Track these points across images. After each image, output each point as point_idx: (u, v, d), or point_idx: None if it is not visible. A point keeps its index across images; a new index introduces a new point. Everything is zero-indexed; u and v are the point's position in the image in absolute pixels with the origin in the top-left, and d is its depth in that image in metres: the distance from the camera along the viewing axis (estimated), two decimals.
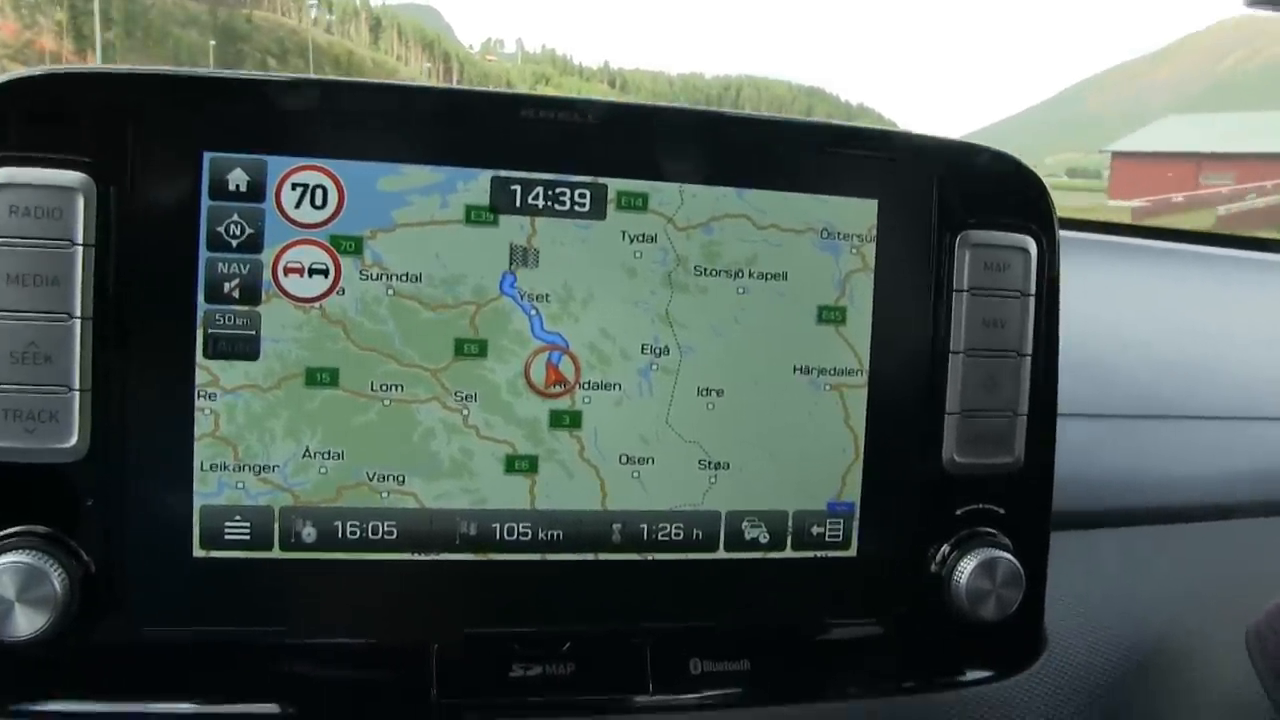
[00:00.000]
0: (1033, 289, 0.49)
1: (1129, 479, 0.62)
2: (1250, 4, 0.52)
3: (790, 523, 0.48)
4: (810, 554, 0.48)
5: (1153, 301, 0.79)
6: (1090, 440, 0.61)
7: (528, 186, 0.44)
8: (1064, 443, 0.50)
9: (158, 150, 0.41)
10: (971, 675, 0.51)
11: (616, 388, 0.45)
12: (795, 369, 0.47)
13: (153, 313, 0.42)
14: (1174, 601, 0.59)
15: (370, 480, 0.44)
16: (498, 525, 0.45)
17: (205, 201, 0.42)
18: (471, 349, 0.44)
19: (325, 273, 0.43)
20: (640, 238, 0.45)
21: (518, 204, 0.44)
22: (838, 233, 0.47)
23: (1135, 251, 0.90)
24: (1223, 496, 0.63)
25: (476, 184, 0.44)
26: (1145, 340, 0.71)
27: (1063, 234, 0.51)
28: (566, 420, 0.45)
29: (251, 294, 0.42)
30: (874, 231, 0.47)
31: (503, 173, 0.44)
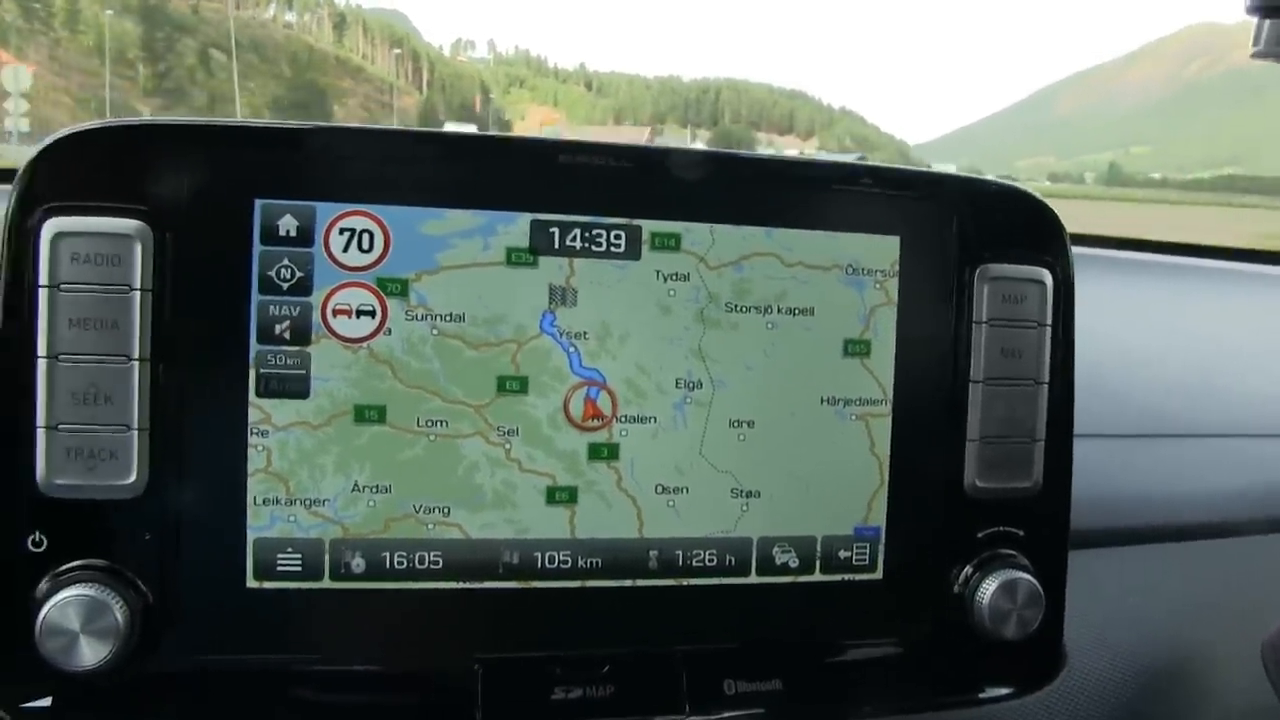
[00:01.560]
0: (1049, 319, 0.51)
1: (1141, 498, 0.64)
2: (1256, 55, 0.53)
3: (819, 547, 0.49)
4: (838, 577, 0.50)
5: (1162, 318, 0.80)
6: (1103, 460, 0.62)
7: (566, 229, 0.46)
8: (1077, 463, 0.52)
9: (211, 198, 0.43)
10: (993, 693, 0.52)
11: (652, 420, 0.47)
12: (823, 400, 0.49)
13: (207, 354, 0.44)
14: (1188, 617, 0.61)
15: (417, 512, 0.45)
16: (539, 554, 0.46)
17: (257, 246, 0.43)
18: (513, 385, 0.46)
19: (372, 314, 0.44)
20: (674, 276, 0.47)
21: (556, 245, 0.46)
22: (862, 269, 0.49)
23: (1143, 268, 0.92)
24: (1234, 513, 0.65)
25: (516, 227, 0.45)
26: (1155, 359, 0.73)
27: (1078, 251, 0.52)
28: (604, 452, 0.47)
29: (302, 335, 0.44)
30: (897, 267, 0.49)
31: (541, 216, 0.46)
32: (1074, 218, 0.54)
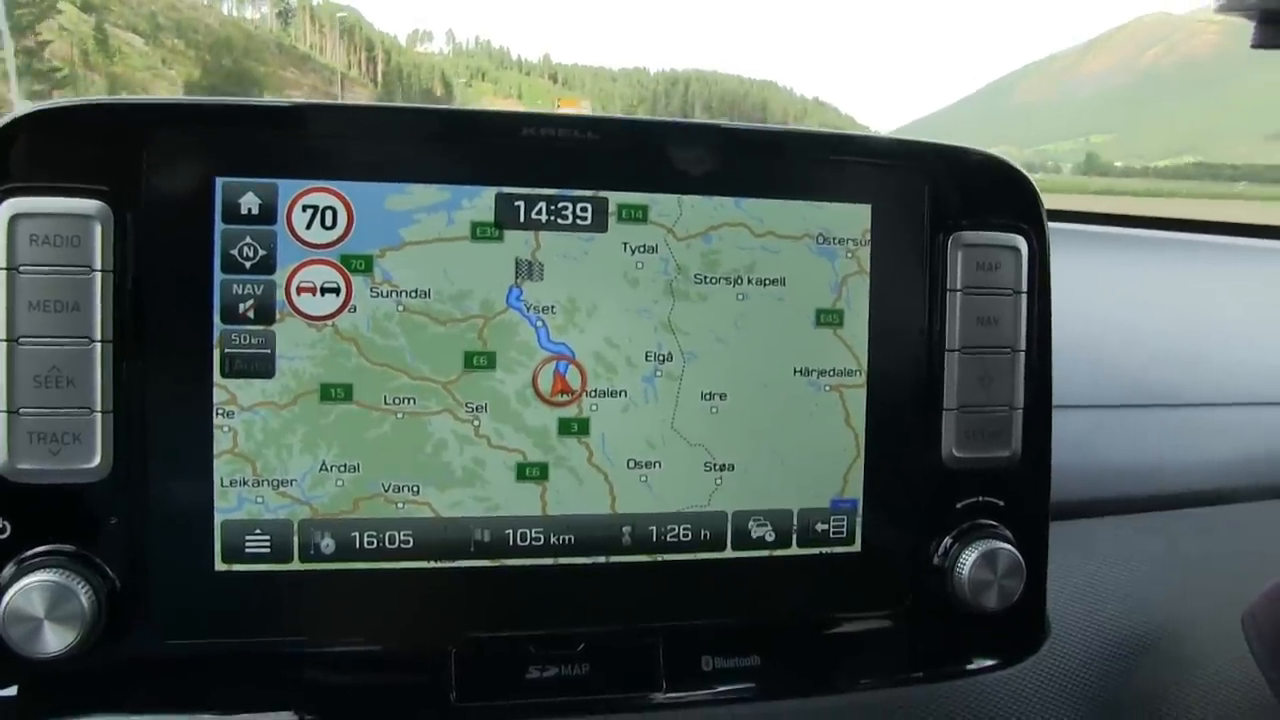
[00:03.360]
0: (1024, 286, 0.50)
1: (1125, 468, 0.63)
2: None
3: (795, 521, 0.49)
4: (815, 550, 0.49)
5: (1143, 291, 0.80)
6: (1087, 431, 0.62)
7: (531, 202, 0.45)
8: (1061, 434, 0.52)
9: (171, 177, 0.43)
10: (977, 664, 0.52)
11: (622, 394, 0.46)
12: (795, 371, 0.48)
13: (170, 334, 0.43)
14: (1172, 587, 0.60)
15: (386, 491, 0.45)
16: (510, 532, 0.46)
17: (219, 225, 0.43)
18: (480, 361, 0.45)
19: (337, 291, 0.44)
20: (641, 248, 0.46)
21: (522, 219, 0.45)
22: (833, 238, 0.48)
23: (1124, 241, 0.92)
24: (1218, 482, 0.65)
25: (481, 201, 0.45)
26: (1137, 330, 0.73)
27: (1052, 226, 0.52)
28: (575, 428, 0.46)
29: (266, 314, 0.44)
30: (868, 235, 0.49)
31: (506, 189, 0.45)
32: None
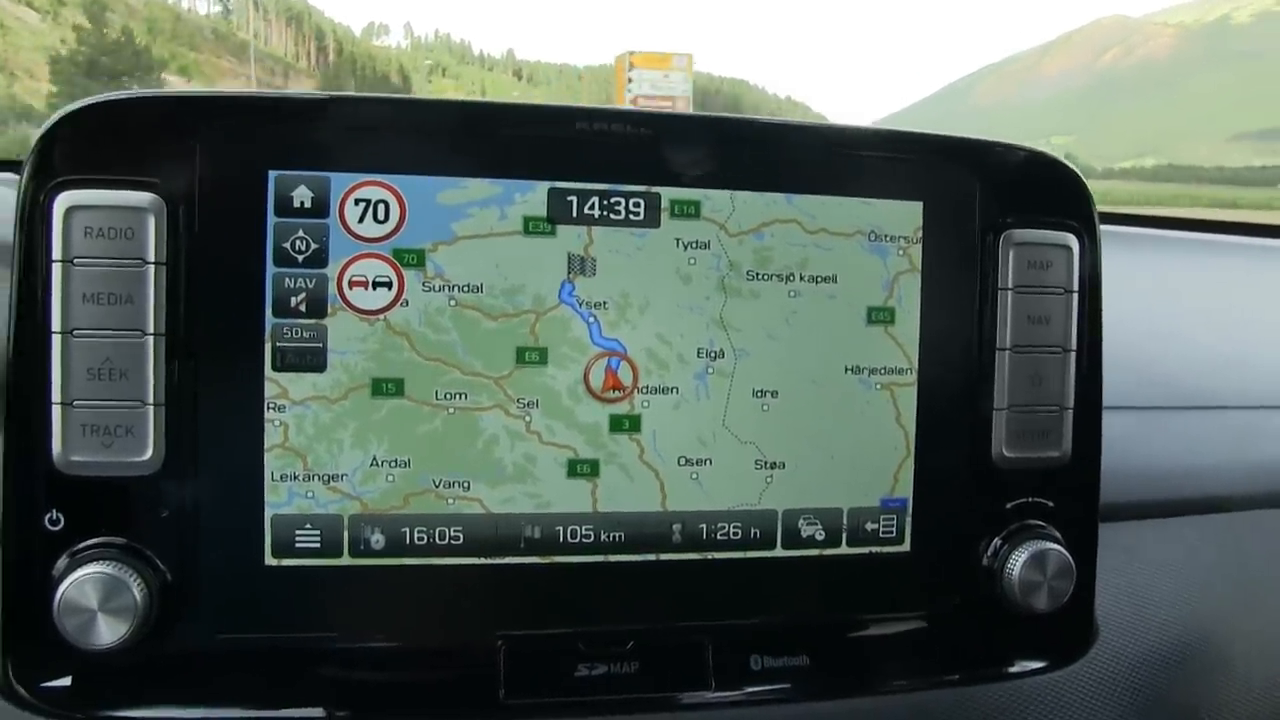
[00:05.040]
0: (1075, 285, 0.50)
1: (1174, 470, 0.63)
2: None
3: (845, 520, 0.48)
4: (865, 550, 0.49)
5: (1190, 293, 0.79)
6: (1134, 432, 0.62)
7: (584, 197, 0.45)
8: (1108, 435, 0.51)
9: (224, 170, 0.43)
10: (1025, 666, 0.51)
11: (674, 391, 0.46)
12: (846, 369, 0.48)
13: (223, 328, 0.43)
14: (1221, 591, 0.60)
15: (436, 487, 0.45)
16: (561, 528, 0.46)
17: (271, 218, 0.43)
18: (532, 357, 0.45)
19: (389, 285, 0.44)
20: (694, 244, 0.46)
21: (574, 214, 0.45)
22: (885, 235, 0.48)
23: (1170, 244, 0.91)
24: (1265, 485, 0.64)
25: (534, 195, 0.45)
26: (1184, 331, 0.72)
27: (1101, 228, 0.52)
28: (626, 424, 0.46)
29: (318, 308, 0.43)
30: (920, 233, 0.48)
31: (559, 184, 0.45)
32: None
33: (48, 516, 0.42)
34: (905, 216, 0.48)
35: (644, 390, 0.46)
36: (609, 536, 0.46)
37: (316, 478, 0.44)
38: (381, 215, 0.44)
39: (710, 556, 0.47)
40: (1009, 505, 0.50)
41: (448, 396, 0.44)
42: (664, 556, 0.47)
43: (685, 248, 0.46)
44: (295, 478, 0.44)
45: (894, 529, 0.49)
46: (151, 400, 0.42)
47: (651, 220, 0.46)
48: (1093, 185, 0.51)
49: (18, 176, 0.42)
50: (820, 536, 0.48)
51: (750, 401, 0.47)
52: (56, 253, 0.41)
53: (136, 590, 0.41)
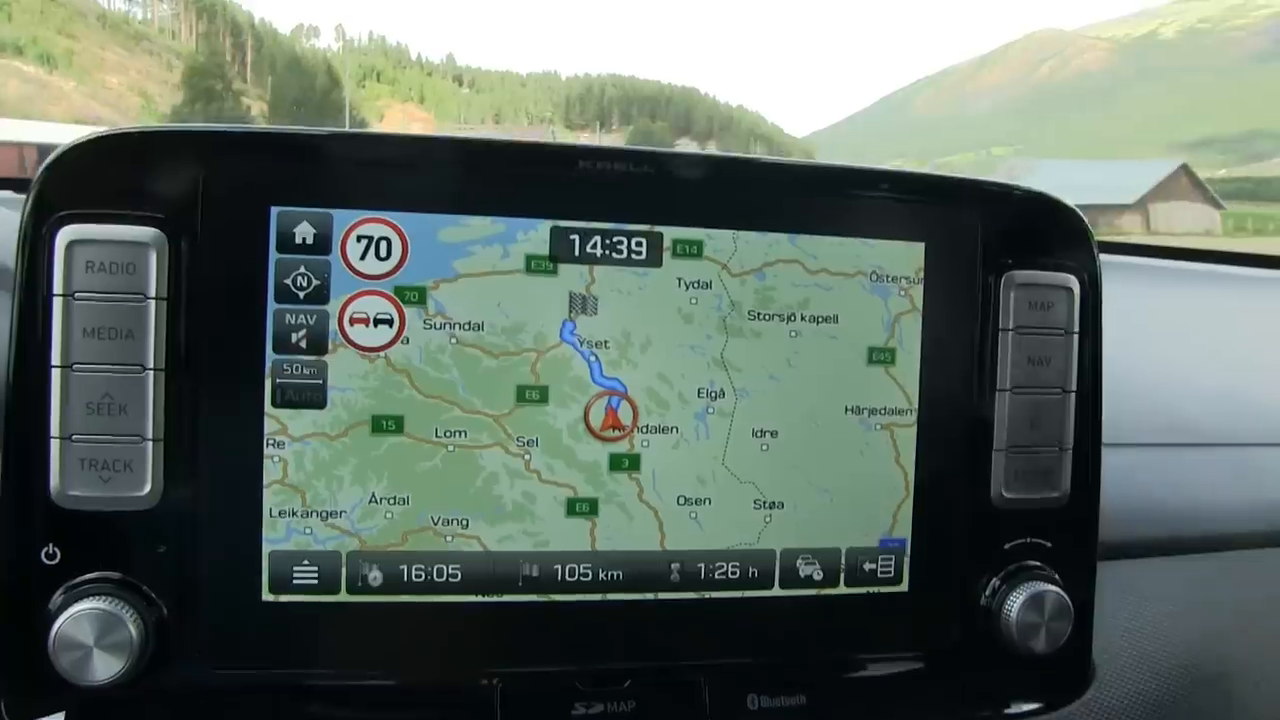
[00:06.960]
0: (1076, 326, 0.50)
1: (1173, 508, 0.62)
2: None
3: (843, 560, 0.48)
4: (863, 590, 0.49)
5: (1190, 325, 0.79)
6: (1133, 470, 0.61)
7: (586, 236, 0.45)
8: (1107, 472, 0.51)
9: (226, 205, 0.43)
10: (1022, 707, 0.51)
11: (674, 431, 0.46)
12: (847, 409, 0.48)
13: (223, 363, 0.43)
14: (1220, 630, 0.59)
15: (435, 525, 0.45)
16: (559, 567, 0.46)
17: (273, 254, 0.43)
18: (533, 395, 0.45)
19: (390, 322, 0.44)
20: (695, 284, 0.46)
21: (576, 253, 0.45)
22: (886, 275, 0.48)
23: (1170, 274, 0.91)
24: (1266, 523, 0.64)
25: (536, 234, 0.45)
26: (1184, 367, 0.72)
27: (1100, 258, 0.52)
28: (625, 463, 0.46)
29: (318, 344, 0.43)
30: (922, 274, 0.48)
31: (562, 223, 0.45)
32: None
33: (44, 550, 0.42)
34: (907, 257, 0.48)
35: (644, 429, 0.46)
36: (607, 575, 0.46)
37: (315, 514, 0.44)
38: (383, 252, 0.44)
39: (708, 596, 0.47)
40: (1007, 546, 0.50)
41: (448, 434, 0.44)
42: (662, 595, 0.47)
43: (687, 287, 0.46)
44: (294, 514, 0.44)
45: (892, 569, 0.49)
46: (150, 435, 0.42)
47: (653, 259, 0.46)
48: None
49: (15, 195, 0.42)
50: (818, 576, 0.48)
51: (750, 441, 0.47)
52: (58, 287, 0.41)
53: (132, 626, 0.41)
